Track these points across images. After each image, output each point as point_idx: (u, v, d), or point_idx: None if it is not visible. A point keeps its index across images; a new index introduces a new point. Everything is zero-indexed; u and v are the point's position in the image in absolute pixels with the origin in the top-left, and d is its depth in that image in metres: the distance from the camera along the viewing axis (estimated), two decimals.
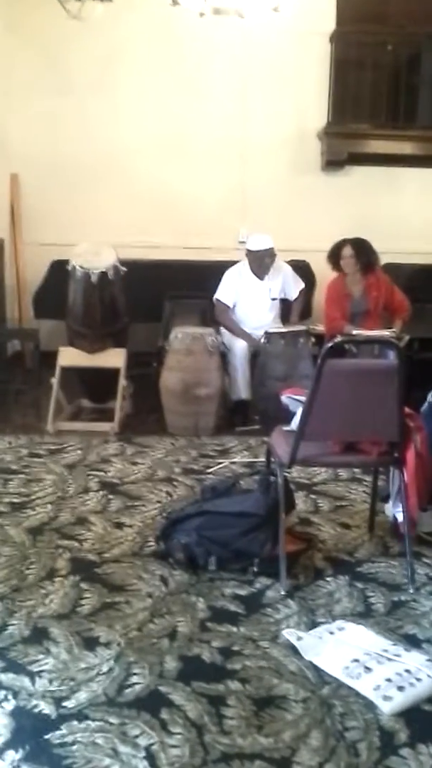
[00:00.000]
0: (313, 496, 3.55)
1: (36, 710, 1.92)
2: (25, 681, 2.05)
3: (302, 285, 5.28)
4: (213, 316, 5.24)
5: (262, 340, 4.70)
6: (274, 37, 6.26)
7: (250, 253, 5.11)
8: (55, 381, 4.72)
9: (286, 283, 5.20)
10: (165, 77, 6.34)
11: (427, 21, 6.37)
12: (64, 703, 1.95)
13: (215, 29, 5.93)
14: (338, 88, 6.34)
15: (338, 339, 2.77)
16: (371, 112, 6.35)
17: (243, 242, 5.34)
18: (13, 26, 6.14)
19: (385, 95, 6.35)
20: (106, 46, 6.18)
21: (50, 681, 2.05)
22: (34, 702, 1.95)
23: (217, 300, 5.15)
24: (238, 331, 4.99)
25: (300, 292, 5.25)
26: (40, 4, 5.37)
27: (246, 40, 6.25)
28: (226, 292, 5.13)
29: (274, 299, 5.17)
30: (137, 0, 5.62)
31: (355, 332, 4.70)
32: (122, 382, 4.73)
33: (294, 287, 5.23)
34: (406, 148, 6.36)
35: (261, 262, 5.07)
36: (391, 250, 5.38)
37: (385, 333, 4.63)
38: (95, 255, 4.66)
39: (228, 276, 5.15)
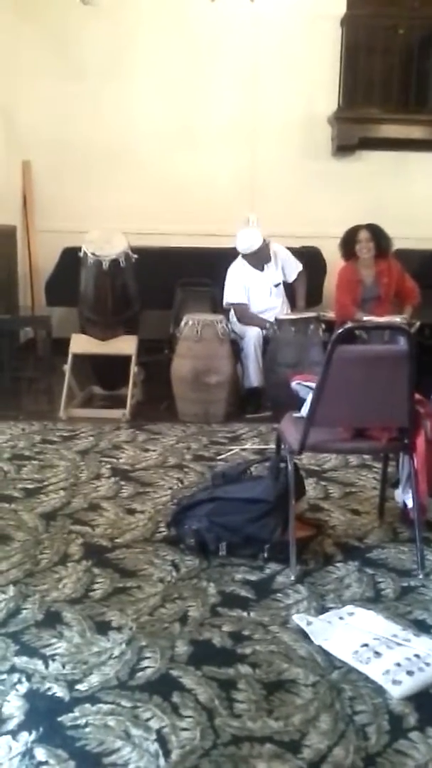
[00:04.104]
0: (323, 483, 3.56)
1: (49, 693, 1.95)
2: (39, 664, 2.08)
3: (300, 267, 5.24)
4: (223, 306, 5.21)
5: (273, 327, 4.70)
6: (284, 21, 6.23)
7: (241, 254, 5.09)
8: (67, 368, 4.74)
9: (285, 266, 5.18)
10: (175, 62, 6.32)
11: None
12: (77, 686, 1.98)
13: (225, 13, 5.90)
14: (349, 72, 6.30)
15: (348, 325, 2.77)
16: (382, 96, 6.30)
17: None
18: (24, 13, 6.12)
19: (396, 79, 6.30)
20: (116, 31, 6.16)
21: (63, 664, 2.08)
22: (48, 685, 1.99)
23: (232, 304, 5.11)
24: (261, 323, 4.94)
25: (299, 273, 5.23)
26: None
27: (256, 24, 6.21)
28: (237, 292, 5.09)
29: (277, 285, 5.16)
30: None
31: (365, 318, 4.69)
32: (133, 369, 4.75)
33: (292, 269, 5.20)
34: (417, 132, 6.32)
35: (257, 257, 5.05)
36: (402, 235, 5.35)
37: (396, 319, 4.61)
38: (107, 242, 4.66)
39: (231, 275, 5.12)
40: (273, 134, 6.48)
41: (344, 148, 6.43)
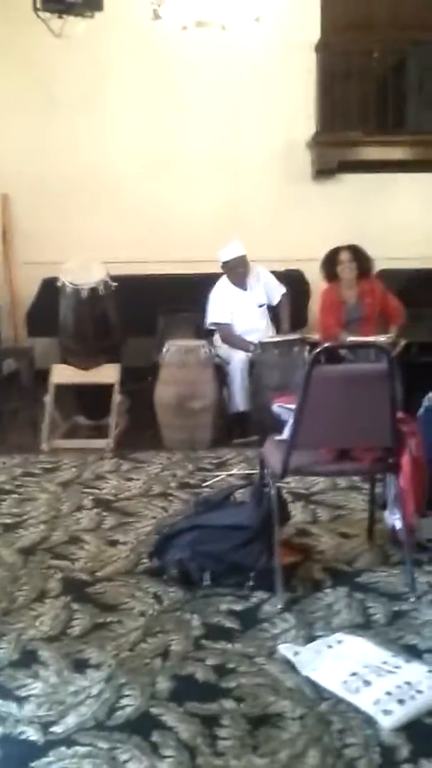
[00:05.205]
0: (311, 506, 3.47)
1: (23, 737, 1.86)
2: (12, 706, 1.98)
3: (284, 289, 5.22)
4: (208, 332, 5.16)
5: (257, 350, 4.65)
6: (258, 49, 6.26)
7: (223, 265, 5.08)
8: (48, 399, 4.67)
9: (267, 289, 5.16)
10: (151, 92, 6.35)
11: (412, 27, 6.39)
12: (52, 729, 1.89)
13: (199, 42, 5.92)
14: (326, 97, 6.34)
15: (326, 345, 2.73)
16: (360, 119, 6.33)
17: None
18: None
19: (373, 102, 6.34)
20: (91, 62, 6.19)
21: (38, 706, 1.99)
22: (21, 728, 1.89)
23: (215, 324, 5.07)
24: (244, 345, 4.90)
25: (282, 296, 5.20)
26: (23, 24, 5.38)
27: (231, 53, 6.24)
28: (219, 312, 5.05)
29: (261, 306, 5.13)
30: (119, 15, 5.61)
31: (350, 339, 4.65)
32: (117, 397, 4.68)
33: (275, 291, 5.18)
34: (396, 153, 6.34)
35: (234, 272, 5.04)
36: (385, 256, 5.34)
37: (381, 338, 4.58)
38: (85, 271, 4.63)
39: (214, 296, 5.09)
40: (253, 160, 6.50)
41: (324, 171, 6.45)
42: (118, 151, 6.40)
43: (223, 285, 5.12)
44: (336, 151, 6.39)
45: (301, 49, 6.30)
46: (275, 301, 5.19)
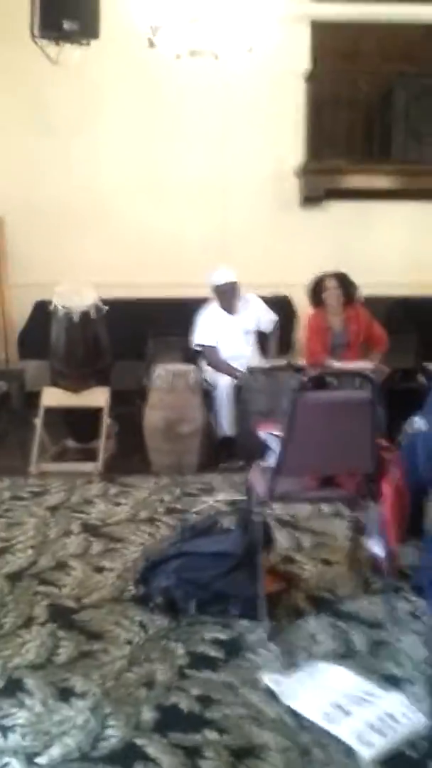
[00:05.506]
0: (296, 533, 3.51)
1: None
2: None
3: (275, 316, 5.27)
4: (196, 356, 5.21)
5: (244, 376, 4.70)
6: (250, 78, 6.36)
7: (215, 289, 5.14)
8: (38, 421, 4.69)
9: (258, 315, 5.22)
10: (144, 118, 6.44)
11: (399, 59, 6.52)
12: (37, 760, 1.91)
13: (192, 71, 6.01)
14: (314, 126, 6.44)
15: (313, 374, 2.78)
16: (347, 148, 6.43)
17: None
18: None
19: (359, 132, 6.44)
20: (85, 89, 6.27)
21: (23, 736, 2.01)
22: (6, 759, 1.91)
23: (201, 345, 5.11)
24: (229, 369, 4.97)
25: (274, 323, 5.27)
26: (18, 48, 5.47)
27: (223, 81, 6.34)
28: (206, 334, 5.10)
29: (248, 332, 5.18)
30: (114, 43, 5.70)
31: (336, 365, 4.71)
32: (106, 421, 4.71)
33: (267, 319, 5.25)
34: (381, 182, 6.43)
35: (225, 297, 5.10)
36: (369, 283, 5.40)
37: (367, 365, 4.64)
38: (77, 295, 4.68)
39: (202, 319, 5.14)
40: (242, 187, 6.58)
41: (311, 199, 6.54)
42: (111, 175, 6.47)
43: (212, 308, 5.18)
44: (323, 179, 6.49)
45: (291, 78, 6.42)
46: (266, 328, 5.24)
